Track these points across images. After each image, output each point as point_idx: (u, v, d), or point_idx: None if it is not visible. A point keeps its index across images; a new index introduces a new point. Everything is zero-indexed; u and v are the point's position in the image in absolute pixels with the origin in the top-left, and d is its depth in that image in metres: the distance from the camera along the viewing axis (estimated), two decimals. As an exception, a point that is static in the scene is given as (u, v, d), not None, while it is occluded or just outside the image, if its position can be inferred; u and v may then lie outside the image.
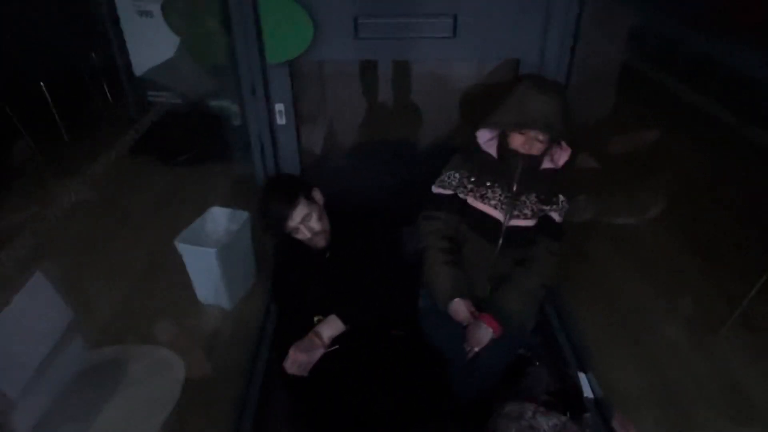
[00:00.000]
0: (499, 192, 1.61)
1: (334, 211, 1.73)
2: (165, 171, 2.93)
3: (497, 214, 1.61)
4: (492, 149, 1.62)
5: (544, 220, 1.65)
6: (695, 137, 2.94)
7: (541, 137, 1.51)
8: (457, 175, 1.66)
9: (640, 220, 2.34)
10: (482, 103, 1.87)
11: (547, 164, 1.60)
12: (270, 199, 1.66)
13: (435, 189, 1.70)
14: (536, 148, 1.53)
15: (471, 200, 1.64)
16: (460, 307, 1.58)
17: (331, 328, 1.56)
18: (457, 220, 1.67)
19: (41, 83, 2.95)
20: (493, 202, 1.61)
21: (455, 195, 1.66)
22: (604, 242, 2.33)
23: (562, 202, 1.64)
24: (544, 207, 1.63)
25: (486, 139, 1.62)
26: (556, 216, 1.64)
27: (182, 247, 1.82)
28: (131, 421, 1.45)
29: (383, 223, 1.77)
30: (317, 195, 1.72)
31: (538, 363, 1.67)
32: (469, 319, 1.57)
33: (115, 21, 2.87)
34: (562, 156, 1.60)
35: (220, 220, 2.00)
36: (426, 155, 2.15)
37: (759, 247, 2.19)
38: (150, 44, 2.84)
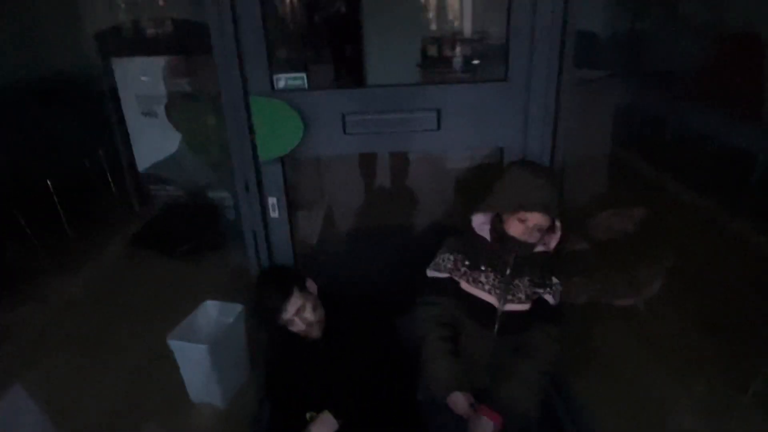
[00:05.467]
0: (492, 276, 1.59)
1: (329, 300, 1.71)
2: (165, 263, 2.94)
3: (491, 299, 1.59)
4: (485, 233, 1.62)
5: (539, 304, 1.62)
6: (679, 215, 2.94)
7: (539, 227, 1.51)
8: (451, 257, 1.65)
9: (639, 300, 2.28)
10: (475, 187, 1.91)
11: (539, 248, 1.60)
12: (263, 292, 1.65)
13: (430, 273, 1.68)
14: (534, 237, 1.53)
15: (464, 284, 1.63)
16: (459, 400, 1.52)
17: (324, 426, 1.49)
18: (454, 304, 1.64)
19: (48, 181, 3.05)
20: (486, 287, 1.59)
21: (450, 278, 1.65)
22: (608, 325, 2.26)
23: (555, 284, 1.63)
24: (538, 290, 1.61)
25: (480, 222, 1.63)
26: (550, 299, 1.62)
27: (173, 344, 1.79)
28: None
29: (379, 311, 1.75)
30: (311, 285, 1.71)
31: (546, 458, 1.57)
32: (469, 413, 1.51)
33: (121, 121, 3.06)
34: (553, 239, 1.60)
35: (212, 314, 1.97)
36: (421, 238, 2.16)
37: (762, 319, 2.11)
38: (153, 141, 3.01)
